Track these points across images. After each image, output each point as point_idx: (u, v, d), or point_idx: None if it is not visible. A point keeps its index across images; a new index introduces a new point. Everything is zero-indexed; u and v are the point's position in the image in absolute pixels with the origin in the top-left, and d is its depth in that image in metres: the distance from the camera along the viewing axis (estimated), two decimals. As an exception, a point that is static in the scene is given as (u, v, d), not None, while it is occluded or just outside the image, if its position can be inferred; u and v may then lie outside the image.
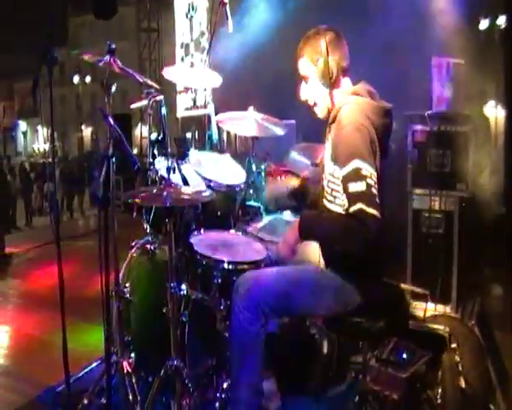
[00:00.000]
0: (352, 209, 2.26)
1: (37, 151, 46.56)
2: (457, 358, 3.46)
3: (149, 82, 3.54)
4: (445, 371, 3.29)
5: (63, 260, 2.93)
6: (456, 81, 4.98)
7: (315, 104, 2.72)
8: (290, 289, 2.52)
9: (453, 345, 3.49)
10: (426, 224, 4.87)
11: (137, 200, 2.89)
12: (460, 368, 3.42)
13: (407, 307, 3.11)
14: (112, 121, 2.64)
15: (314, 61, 2.61)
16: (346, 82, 2.66)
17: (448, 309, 4.66)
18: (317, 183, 2.95)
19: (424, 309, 4.02)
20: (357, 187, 2.27)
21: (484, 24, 8.30)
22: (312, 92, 2.68)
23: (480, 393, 3.41)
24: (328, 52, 2.57)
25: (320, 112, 2.72)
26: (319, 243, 2.65)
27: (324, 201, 2.62)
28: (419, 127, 4.91)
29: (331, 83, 2.60)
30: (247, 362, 2.52)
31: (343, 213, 2.40)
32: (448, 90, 4.91)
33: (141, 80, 3.43)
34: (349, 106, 2.49)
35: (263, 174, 3.80)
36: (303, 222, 2.50)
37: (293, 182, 3.53)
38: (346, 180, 2.32)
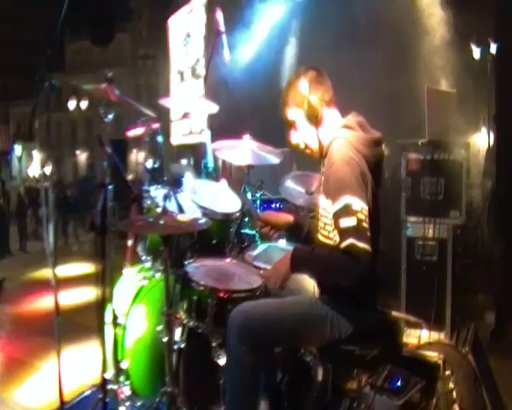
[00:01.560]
0: (343, 245, 2.27)
1: (31, 176, 46.49)
2: (451, 385, 3.46)
3: (146, 111, 3.58)
4: (440, 399, 3.29)
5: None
6: (448, 109, 5.04)
7: (306, 147, 2.75)
8: (284, 321, 2.52)
9: (447, 372, 3.49)
10: (420, 251, 4.90)
11: (134, 228, 2.91)
12: (454, 395, 3.42)
13: (401, 334, 3.12)
14: (109, 149, 2.67)
15: (299, 105, 2.64)
16: (333, 113, 2.69)
17: (442, 336, 4.67)
18: (311, 211, 2.97)
19: (418, 336, 4.04)
20: (347, 222, 2.28)
21: (476, 53, 8.42)
22: (303, 135, 2.72)
23: (475, 420, 3.41)
24: (310, 92, 2.62)
25: (313, 152, 2.75)
26: (312, 277, 2.67)
27: (319, 235, 2.64)
28: (413, 155, 4.96)
29: (317, 121, 2.64)
30: (243, 395, 2.51)
31: (334, 248, 2.40)
32: (441, 118, 4.97)
33: (138, 109, 3.47)
34: (338, 141, 2.51)
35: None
36: (295, 256, 2.50)
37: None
38: (337, 216, 2.33)
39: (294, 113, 2.69)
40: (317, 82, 2.65)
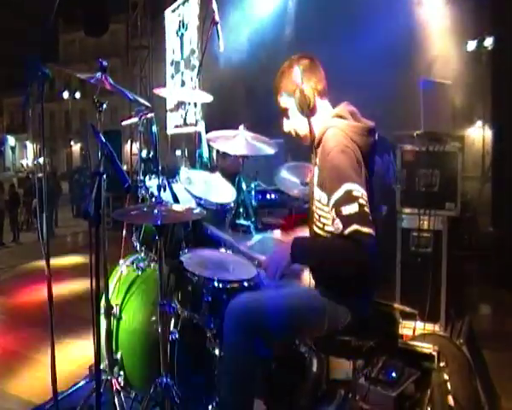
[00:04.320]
0: (347, 231, 2.25)
1: (25, 167, 46.35)
2: (446, 377, 3.46)
3: (140, 100, 3.56)
4: (434, 390, 3.29)
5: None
6: (444, 102, 5.04)
7: (297, 135, 2.73)
8: (282, 313, 2.50)
9: (442, 364, 3.49)
10: (415, 243, 4.90)
11: (128, 218, 2.89)
12: (449, 387, 3.42)
13: (396, 325, 3.11)
14: (103, 138, 2.64)
15: (291, 93, 2.62)
16: (324, 104, 2.67)
17: (437, 328, 4.67)
18: (306, 202, 2.95)
19: (413, 328, 4.03)
20: (350, 209, 2.27)
21: (471, 45, 8.41)
22: (294, 123, 2.70)
23: (469, 412, 3.41)
24: (303, 80, 2.59)
25: (304, 141, 2.73)
26: (314, 266, 2.64)
27: (314, 227, 2.62)
28: (408, 147, 4.96)
29: (309, 110, 2.61)
30: (239, 386, 2.50)
31: (337, 236, 2.38)
32: (436, 110, 4.95)
33: (131, 98, 3.45)
34: (332, 130, 2.50)
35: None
36: (296, 246, 2.47)
37: None
38: (339, 204, 2.31)
39: (286, 100, 2.67)
40: (311, 71, 2.62)
